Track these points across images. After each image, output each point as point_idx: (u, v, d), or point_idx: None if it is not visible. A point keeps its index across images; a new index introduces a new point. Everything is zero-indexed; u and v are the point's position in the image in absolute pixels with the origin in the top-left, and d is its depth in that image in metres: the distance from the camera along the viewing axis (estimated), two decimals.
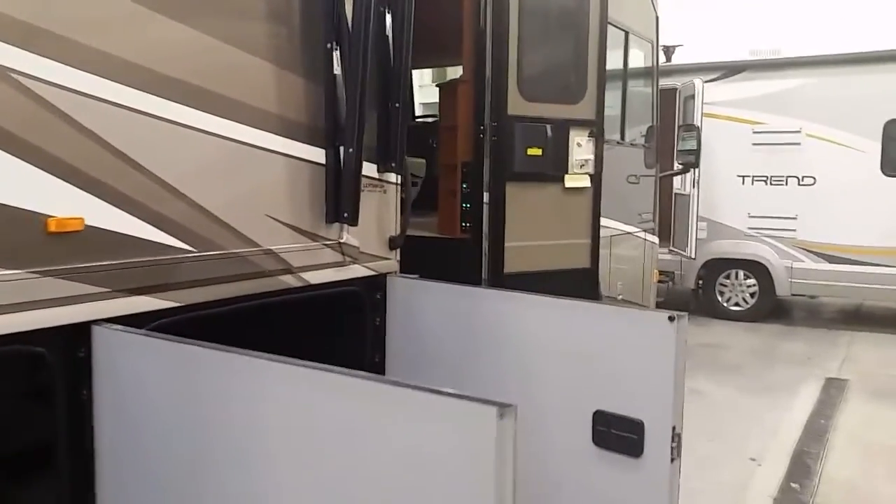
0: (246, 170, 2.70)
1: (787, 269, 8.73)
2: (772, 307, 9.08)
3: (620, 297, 6.30)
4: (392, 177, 3.48)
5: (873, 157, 8.27)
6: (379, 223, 3.47)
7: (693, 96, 8.58)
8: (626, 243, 6.42)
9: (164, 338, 2.11)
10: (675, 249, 9.18)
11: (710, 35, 10.57)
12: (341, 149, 3.03)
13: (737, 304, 9.23)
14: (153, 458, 2.06)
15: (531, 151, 4.27)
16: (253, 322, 3.28)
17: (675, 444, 2.71)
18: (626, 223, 6.33)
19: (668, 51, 9.56)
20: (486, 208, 4.28)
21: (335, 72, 3.01)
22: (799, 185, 8.61)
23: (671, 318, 2.66)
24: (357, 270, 3.33)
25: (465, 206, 4.44)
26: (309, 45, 2.98)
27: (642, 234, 6.76)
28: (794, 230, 8.66)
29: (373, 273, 3.44)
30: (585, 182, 4.56)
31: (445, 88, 4.90)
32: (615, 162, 6.15)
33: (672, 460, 2.71)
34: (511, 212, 4.28)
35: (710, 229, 9.11)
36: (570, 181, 4.48)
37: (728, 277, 9.25)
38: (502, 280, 4.30)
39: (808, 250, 8.61)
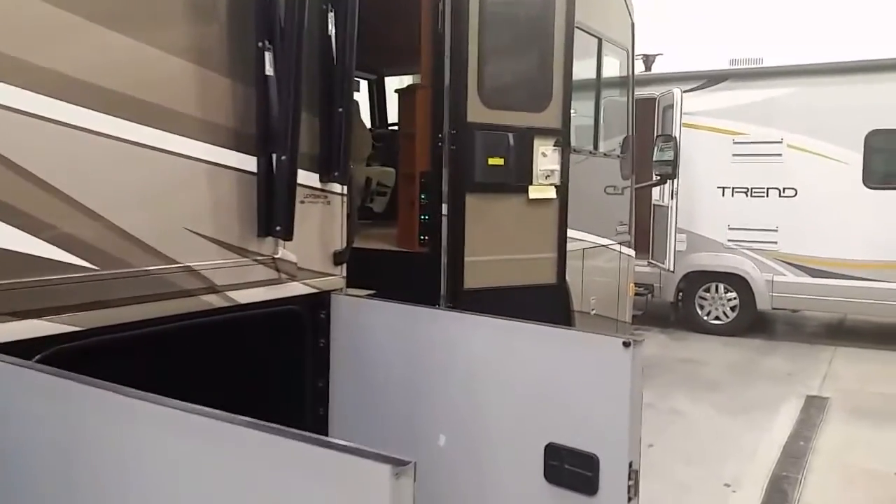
0: (160, 179, 2.46)
1: (767, 283, 8.54)
2: (752, 321, 8.88)
3: (594, 311, 6.08)
4: (337, 187, 3.24)
5: (855, 168, 8.10)
6: (322, 237, 3.23)
7: (672, 106, 8.40)
8: (601, 256, 6.21)
9: (35, 368, 1.85)
10: (654, 262, 8.97)
11: (691, 44, 10.41)
12: (273, 156, 2.79)
13: (717, 318, 9.03)
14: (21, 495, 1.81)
15: (492, 161, 4.04)
16: (176, 347, 3.01)
17: (632, 482, 2.46)
18: (600, 235, 6.12)
19: (648, 60, 9.40)
20: (444, 220, 4.04)
21: (268, 73, 2.77)
22: (780, 196, 8.43)
23: (626, 344, 2.43)
24: (296, 288, 3.08)
25: (424, 219, 4.20)
26: (238, 44, 2.74)
27: (618, 247, 6.55)
28: (774, 243, 8.47)
29: (315, 291, 3.19)
30: (551, 193, 4.33)
31: (404, 94, 4.68)
32: (588, 173, 5.95)
33: (629, 500, 2.46)
34: (471, 224, 4.05)
35: (690, 241, 8.91)
36: (534, 192, 4.25)
37: (708, 291, 9.04)
38: (462, 297, 4.06)
39: (789, 263, 8.43)
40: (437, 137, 4.03)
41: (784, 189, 8.40)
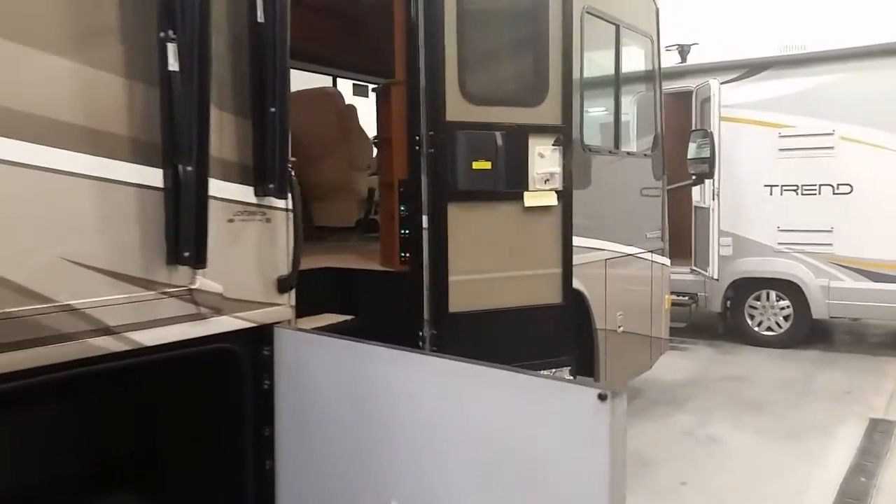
0: (27, 200, 2.02)
1: (823, 289, 7.74)
2: (808, 331, 8.08)
3: (622, 329, 5.48)
4: (277, 201, 2.76)
5: None
6: (261, 261, 2.75)
7: (709, 99, 7.71)
8: (627, 267, 5.60)
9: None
10: (697, 269, 8.27)
11: (729, 31, 9.66)
12: (180, 167, 2.32)
13: (769, 329, 8.25)
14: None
15: (477, 165, 3.51)
16: (67, 400, 2.56)
17: None
18: (625, 244, 5.52)
19: (684, 50, 8.71)
20: (425, 235, 3.52)
21: (171, 68, 2.31)
22: (834, 193, 7.64)
23: (602, 397, 1.87)
24: (226, 323, 2.61)
25: (404, 233, 3.69)
26: (135, 35, 2.30)
27: (648, 256, 5.92)
28: (830, 245, 7.67)
29: (253, 325, 2.72)
30: (551, 200, 3.76)
31: (380, 93, 4.19)
32: (608, 175, 5.36)
33: None
34: (455, 238, 3.51)
35: (736, 246, 8.17)
36: (530, 199, 3.69)
37: (758, 299, 8.28)
38: (447, 322, 3.53)
39: (847, 267, 7.62)
40: (415, 140, 3.52)
41: (838, 185, 7.61)
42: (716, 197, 7.64)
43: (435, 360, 2.36)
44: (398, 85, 3.65)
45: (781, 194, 7.91)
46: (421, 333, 3.56)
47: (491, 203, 3.62)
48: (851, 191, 7.55)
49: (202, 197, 2.35)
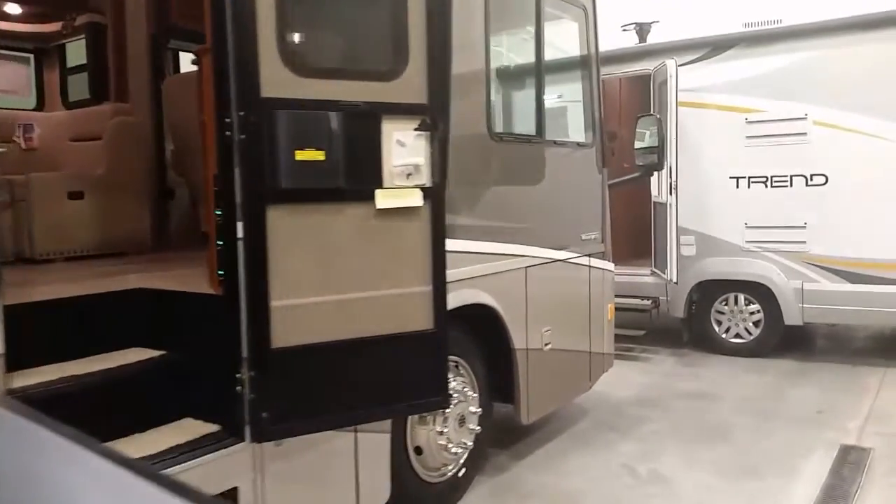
0: None
1: (796, 292, 6.93)
2: (782, 338, 7.27)
3: (549, 347, 4.67)
4: None
5: None
6: None
7: (666, 81, 6.89)
8: (556, 275, 4.80)
9: None
10: (657, 271, 7.46)
11: (693, 9, 8.84)
12: None
13: (738, 336, 7.44)
14: None
15: (303, 155, 2.68)
16: None
17: None
18: (553, 248, 4.72)
19: (643, 30, 7.88)
20: (240, 246, 2.69)
21: None
22: (807, 185, 6.82)
23: None
24: None
25: (220, 245, 2.86)
26: None
27: (584, 261, 5.11)
28: (803, 242, 6.86)
29: None
30: (414, 199, 2.94)
31: (197, 63, 3.36)
32: (528, 168, 4.56)
33: None
34: (278, 251, 2.69)
35: (700, 244, 7.36)
36: (384, 199, 2.87)
37: (726, 303, 7.47)
38: (270, 360, 2.71)
39: (822, 267, 6.81)
40: (224, 124, 2.69)
41: (812, 176, 6.79)
42: (673, 191, 6.83)
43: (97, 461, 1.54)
44: (205, 52, 2.82)
45: (749, 187, 7.09)
46: (239, 376, 2.74)
47: (327, 205, 2.80)
48: (826, 182, 6.74)
49: None
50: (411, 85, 2.93)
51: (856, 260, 6.63)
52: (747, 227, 7.11)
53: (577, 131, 5.28)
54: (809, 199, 6.80)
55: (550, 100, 5.01)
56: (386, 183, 2.89)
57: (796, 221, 6.87)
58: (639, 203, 7.82)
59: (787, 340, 7.34)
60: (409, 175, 2.93)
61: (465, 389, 4.07)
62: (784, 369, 6.92)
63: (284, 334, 2.72)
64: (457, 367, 4.14)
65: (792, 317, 6.98)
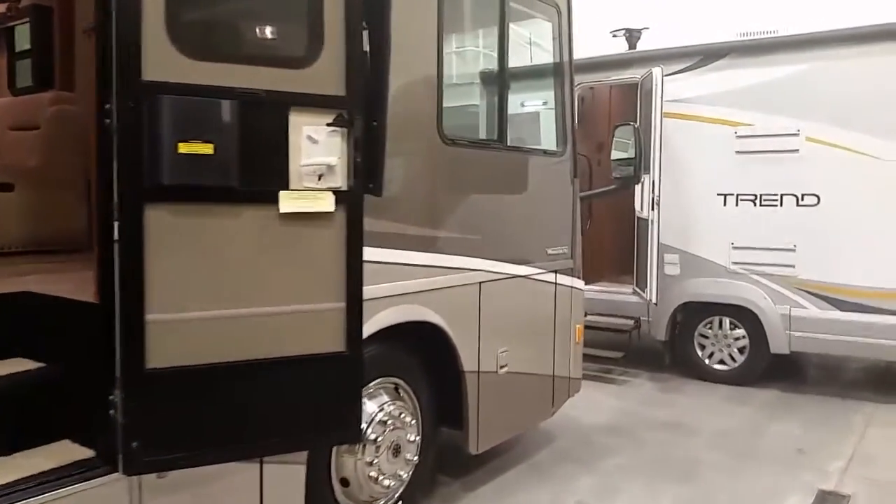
0: None
1: (783, 318, 6.55)
2: (768, 365, 6.87)
3: (505, 369, 4.32)
4: None
5: None
6: None
7: (652, 90, 6.54)
8: (516, 292, 4.45)
9: None
10: (639, 290, 7.09)
11: (684, 15, 8.49)
12: None
13: (721, 362, 7.06)
14: None
15: (187, 148, 2.32)
16: None
17: None
18: (512, 262, 4.36)
19: (632, 36, 7.54)
20: (116, 250, 2.34)
21: None
22: (798, 205, 6.45)
23: None
24: None
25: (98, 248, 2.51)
26: None
27: (550, 277, 4.75)
28: (791, 266, 6.49)
29: None
30: (325, 204, 2.58)
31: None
32: (485, 175, 4.20)
33: None
34: (157, 257, 2.34)
35: (685, 264, 6.99)
36: (288, 203, 2.51)
37: (710, 326, 7.08)
38: (143, 383, 2.35)
39: (811, 293, 6.43)
40: (104, 110, 2.35)
41: (803, 196, 6.42)
42: (655, 206, 6.46)
43: None
44: (89, 29, 2.48)
45: (737, 205, 6.72)
46: (112, 398, 2.39)
47: (219, 206, 2.44)
48: (818, 202, 6.37)
49: None
50: (326, 73, 2.58)
51: (847, 287, 6.25)
52: (734, 247, 6.74)
53: (546, 138, 4.93)
54: (800, 220, 6.42)
55: (516, 104, 4.66)
56: (293, 184, 2.54)
57: (785, 243, 6.49)
58: (625, 217, 7.47)
59: (773, 368, 6.94)
60: (320, 176, 2.58)
61: (403, 415, 3.70)
62: (767, 400, 6.53)
63: (162, 353, 2.36)
64: (396, 389, 3.78)
65: (778, 344, 6.60)
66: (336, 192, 2.61)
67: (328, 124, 2.58)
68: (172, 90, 2.32)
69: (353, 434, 2.77)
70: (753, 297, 6.66)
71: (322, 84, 2.57)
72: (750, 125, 6.61)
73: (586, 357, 7.28)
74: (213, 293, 2.44)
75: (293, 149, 2.52)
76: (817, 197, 6.35)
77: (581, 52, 7.13)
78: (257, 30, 2.59)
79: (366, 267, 3.26)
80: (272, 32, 2.61)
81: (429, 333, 3.85)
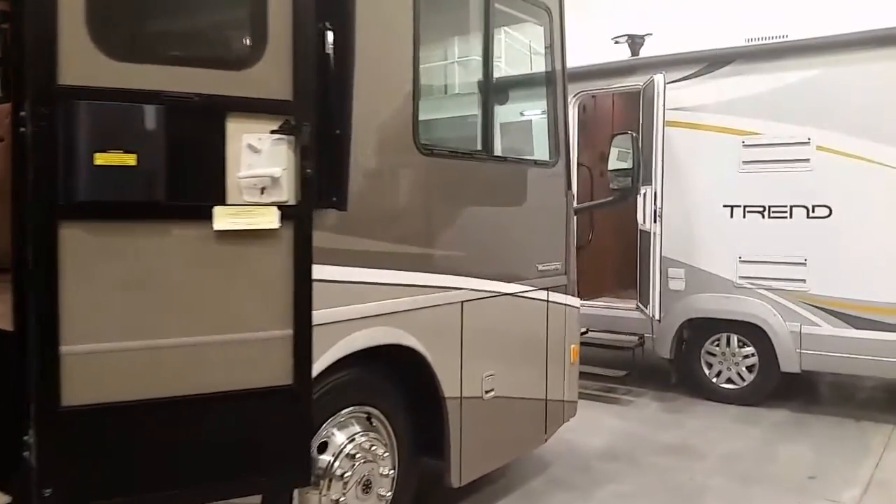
0: None
1: (793, 336, 6.22)
2: (778, 385, 6.54)
3: (491, 394, 4.05)
4: None
5: None
6: None
7: (654, 98, 6.26)
8: (501, 310, 4.17)
9: None
10: (642, 306, 6.79)
11: (687, 21, 8.20)
12: None
13: (730, 381, 6.73)
14: None
15: (105, 159, 2.08)
16: None
17: None
18: (497, 279, 4.09)
19: (635, 43, 7.27)
20: (31, 273, 2.10)
21: None
22: (808, 217, 6.13)
23: None
24: None
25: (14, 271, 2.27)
26: None
27: (541, 295, 4.48)
28: (802, 281, 6.16)
29: None
30: (268, 220, 2.33)
31: None
32: (467, 187, 3.94)
33: None
34: (74, 281, 2.09)
35: (690, 279, 6.68)
36: (224, 219, 2.26)
37: (717, 344, 6.76)
38: (58, 422, 2.10)
39: (823, 309, 6.10)
40: (19, 117, 2.11)
41: (814, 207, 6.10)
42: (658, 218, 6.18)
43: None
44: (5, 27, 2.25)
45: (744, 217, 6.41)
46: (26, 438, 2.14)
47: (143, 224, 2.19)
48: (830, 214, 6.05)
49: None
50: (270, 75, 2.34)
51: (861, 302, 5.92)
52: (741, 261, 6.43)
53: (538, 148, 4.66)
54: (810, 233, 6.11)
55: (504, 112, 4.40)
56: (231, 198, 2.29)
57: (795, 257, 6.18)
58: (629, 229, 7.18)
59: (784, 387, 6.61)
60: (263, 189, 2.33)
61: (374, 448, 3.43)
62: (778, 421, 6.20)
63: (80, 389, 2.12)
64: (368, 419, 3.51)
65: (788, 363, 6.27)
66: (281, 206, 2.36)
67: (272, 131, 2.33)
68: (91, 95, 2.08)
69: (302, 476, 2.50)
70: (762, 313, 6.34)
71: (265, 87, 2.33)
72: (757, 134, 6.31)
73: (587, 376, 7.03)
74: (138, 322, 2.19)
75: (231, 159, 2.28)
76: (829, 208, 6.03)
77: (582, 58, 6.90)
78: (191, 27, 2.35)
79: (333, 287, 3.03)
80: (208, 30, 2.36)
81: (406, 357, 3.59)
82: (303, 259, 2.40)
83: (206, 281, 2.27)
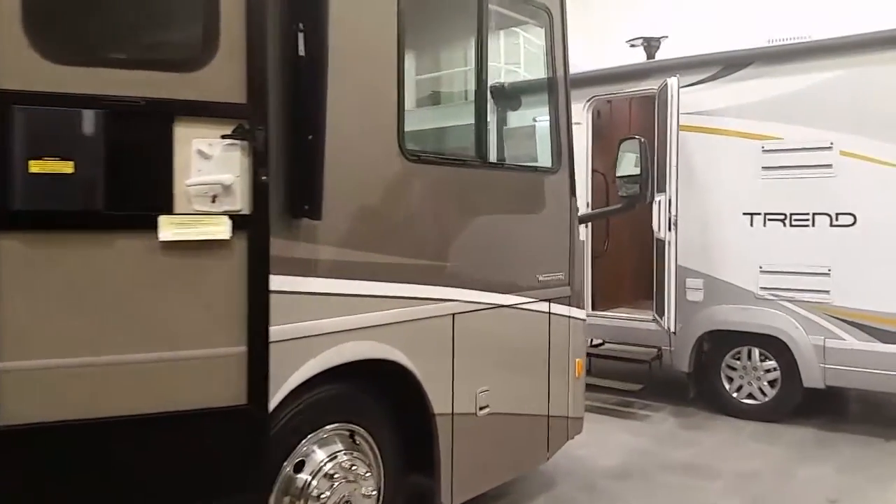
0: None
1: (817, 349, 5.94)
2: (801, 401, 6.26)
3: (486, 411, 3.89)
4: None
5: None
6: None
7: (668, 102, 6.05)
8: (497, 323, 4.02)
9: None
10: (658, 317, 6.57)
11: (704, 23, 7.95)
12: None
13: (751, 396, 6.46)
14: None
15: (41, 166, 1.98)
16: None
17: None
18: (492, 291, 3.94)
19: (651, 45, 7.06)
20: None
21: None
22: (831, 225, 5.86)
23: None
24: None
25: None
26: None
27: (541, 307, 4.31)
28: (826, 292, 5.89)
29: None
30: (219, 230, 2.21)
31: None
32: (458, 194, 3.80)
33: None
34: (8, 295, 1.99)
35: (709, 289, 6.44)
36: (170, 229, 2.14)
37: (738, 357, 6.50)
38: None
39: (847, 322, 5.82)
40: None
41: (837, 215, 5.83)
42: (673, 227, 5.95)
43: None
44: None
45: (765, 225, 6.15)
46: None
47: (83, 234, 2.08)
48: (854, 222, 5.77)
49: None
50: (222, 77, 2.22)
51: (888, 315, 5.63)
52: (762, 271, 6.17)
53: (540, 154, 4.50)
54: (834, 242, 5.83)
55: (503, 118, 4.25)
56: (179, 207, 2.17)
57: (818, 267, 5.90)
58: (646, 238, 6.96)
59: (808, 403, 6.32)
60: (214, 198, 2.21)
61: (355, 467, 3.28)
62: (799, 439, 5.92)
63: (16, 408, 2.01)
64: (351, 437, 3.37)
65: (812, 378, 5.99)
66: (234, 216, 2.23)
67: (224, 136, 2.21)
68: (27, 100, 1.98)
69: (258, 501, 2.37)
70: (784, 325, 6.07)
71: (216, 90, 2.21)
72: (778, 139, 6.06)
73: (602, 389, 6.82)
74: (77, 337, 2.07)
75: (180, 166, 2.16)
76: (853, 216, 5.76)
77: (596, 62, 6.72)
78: (137, 27, 2.24)
79: (310, 299, 2.93)
80: (155, 30, 2.25)
81: (393, 373, 3.45)
82: (258, 272, 2.27)
83: (152, 294, 2.15)
